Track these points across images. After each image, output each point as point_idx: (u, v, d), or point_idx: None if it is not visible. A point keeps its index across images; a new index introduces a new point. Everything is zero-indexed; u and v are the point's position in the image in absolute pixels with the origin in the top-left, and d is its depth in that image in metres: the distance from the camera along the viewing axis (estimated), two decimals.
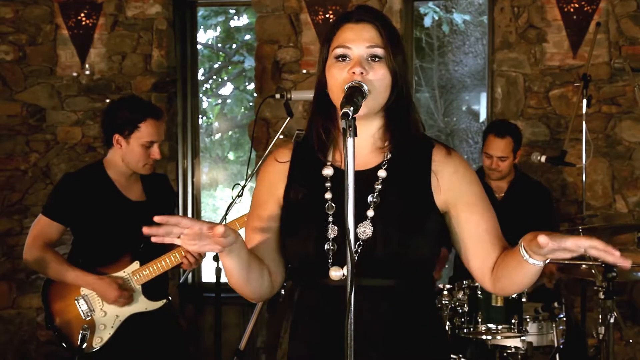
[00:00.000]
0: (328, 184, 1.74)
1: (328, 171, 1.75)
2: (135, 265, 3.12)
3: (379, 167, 1.75)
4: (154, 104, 3.29)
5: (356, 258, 1.65)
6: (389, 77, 1.71)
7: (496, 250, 1.73)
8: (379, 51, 1.70)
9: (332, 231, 1.69)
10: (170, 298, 3.24)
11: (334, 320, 1.63)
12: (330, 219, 1.70)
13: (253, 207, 1.83)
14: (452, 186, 1.74)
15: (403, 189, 1.72)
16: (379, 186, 1.72)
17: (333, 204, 1.71)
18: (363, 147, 1.75)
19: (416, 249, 1.69)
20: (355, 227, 1.64)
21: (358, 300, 1.55)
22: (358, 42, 1.70)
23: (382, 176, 1.73)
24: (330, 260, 1.68)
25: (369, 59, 1.70)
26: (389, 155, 1.75)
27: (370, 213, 1.69)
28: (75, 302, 3.12)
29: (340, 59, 1.71)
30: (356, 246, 1.67)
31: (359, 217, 1.68)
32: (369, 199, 1.70)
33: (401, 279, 1.70)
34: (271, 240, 1.79)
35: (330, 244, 1.68)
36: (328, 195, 1.72)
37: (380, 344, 1.69)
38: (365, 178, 1.72)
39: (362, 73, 1.66)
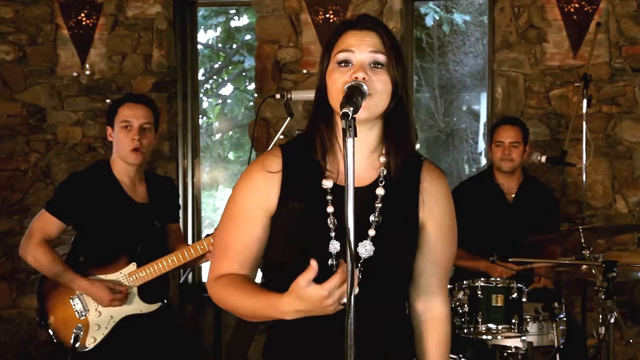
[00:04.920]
0: (329, 197, 1.71)
1: (328, 184, 1.72)
2: (132, 266, 3.12)
3: (375, 184, 1.75)
4: (150, 98, 3.36)
5: (360, 277, 1.67)
6: (390, 85, 1.70)
7: (436, 297, 1.84)
8: (382, 58, 1.69)
9: (334, 247, 1.68)
10: (166, 301, 3.22)
11: (335, 336, 1.62)
12: (333, 234, 1.69)
13: (237, 219, 1.76)
14: (431, 208, 1.78)
15: (399, 207, 1.75)
16: (379, 205, 1.72)
17: (335, 219, 1.69)
18: (358, 161, 1.70)
19: (411, 266, 1.77)
20: (356, 245, 1.67)
21: (357, 317, 1.56)
22: (361, 47, 1.69)
23: (381, 194, 1.73)
24: None
25: (372, 65, 1.69)
26: (385, 172, 1.75)
27: (372, 232, 1.71)
28: (70, 301, 3.12)
29: (342, 64, 1.69)
30: (358, 264, 1.68)
31: (360, 236, 1.69)
32: (371, 218, 1.72)
33: (393, 292, 1.77)
34: (258, 254, 1.77)
35: (334, 258, 1.68)
36: (330, 209, 1.70)
37: (380, 356, 1.73)
38: (364, 195, 1.72)
39: (364, 78, 1.65)
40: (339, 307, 1.56)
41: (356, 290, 1.57)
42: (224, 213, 1.80)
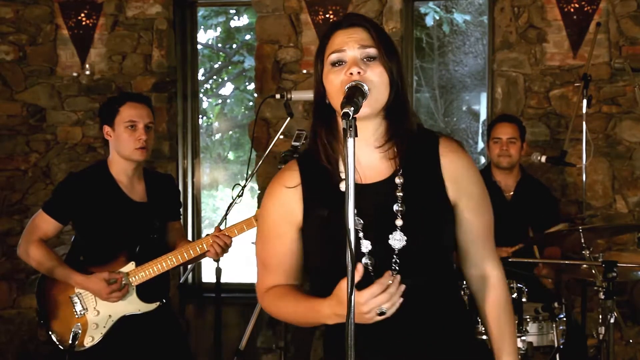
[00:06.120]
0: None
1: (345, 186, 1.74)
2: (131, 266, 3.11)
3: (394, 174, 1.75)
4: (147, 96, 3.40)
5: (397, 269, 1.69)
6: (386, 76, 1.71)
7: (486, 264, 1.87)
8: (372, 51, 1.70)
9: (366, 245, 1.71)
10: (165, 300, 3.21)
11: (390, 337, 1.70)
12: (361, 234, 1.71)
13: (269, 237, 1.83)
14: (458, 184, 1.78)
15: (421, 190, 1.75)
16: (401, 193, 1.73)
17: (360, 219, 1.71)
18: (371, 155, 1.76)
19: (445, 247, 1.77)
20: (387, 238, 1.69)
21: (409, 306, 1.63)
22: (351, 43, 1.70)
23: (400, 182, 1.74)
24: (372, 274, 1.68)
25: (364, 59, 1.70)
26: (399, 161, 1.76)
27: (399, 222, 1.71)
28: (70, 299, 3.11)
29: (336, 64, 1.71)
30: (394, 257, 1.70)
31: (389, 228, 1.71)
32: (395, 207, 1.72)
33: (433, 276, 1.76)
34: (297, 264, 1.83)
35: (368, 257, 1.70)
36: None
37: (417, 341, 1.74)
38: (384, 188, 1.74)
39: (359, 73, 1.66)
40: (375, 317, 1.58)
41: (400, 300, 1.60)
42: (257, 229, 1.91)
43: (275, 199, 1.81)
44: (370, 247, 1.70)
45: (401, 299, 1.60)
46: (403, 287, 1.61)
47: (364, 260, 1.69)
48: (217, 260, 3.22)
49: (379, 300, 1.56)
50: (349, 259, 1.51)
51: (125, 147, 3.12)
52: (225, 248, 3.09)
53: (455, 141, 1.84)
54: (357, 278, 1.55)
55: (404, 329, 1.71)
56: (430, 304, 1.75)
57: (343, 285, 1.58)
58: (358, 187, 1.72)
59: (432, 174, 1.77)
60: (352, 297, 1.51)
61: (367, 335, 1.66)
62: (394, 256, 1.69)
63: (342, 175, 1.75)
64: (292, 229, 1.79)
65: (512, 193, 4.08)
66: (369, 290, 1.56)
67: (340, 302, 1.59)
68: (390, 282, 1.58)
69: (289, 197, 1.79)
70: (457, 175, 1.78)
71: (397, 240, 1.70)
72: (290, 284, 1.83)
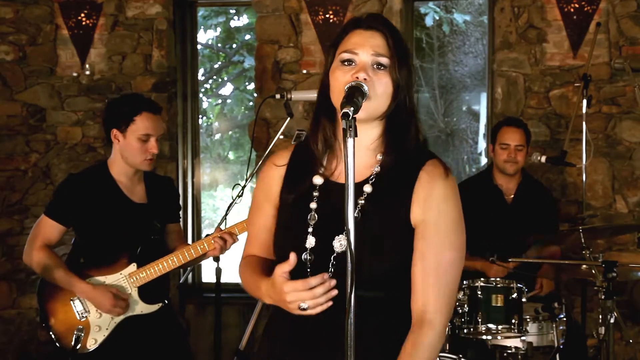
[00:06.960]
0: (316, 193, 1.75)
1: (318, 180, 1.76)
2: (132, 267, 3.10)
3: (366, 181, 1.74)
4: (160, 106, 3.31)
5: (332, 270, 1.68)
6: (391, 88, 1.71)
7: (428, 304, 1.67)
8: (384, 60, 1.70)
9: (310, 242, 1.71)
10: (167, 302, 3.21)
11: (307, 327, 1.69)
12: (310, 229, 1.72)
13: (252, 208, 1.90)
14: (423, 209, 1.70)
15: (384, 204, 1.71)
16: (362, 201, 1.71)
17: (316, 215, 1.73)
18: (359, 159, 1.69)
19: (389, 263, 1.69)
20: (333, 239, 1.69)
21: (336, 310, 1.60)
22: (365, 48, 1.70)
23: (367, 191, 1.72)
24: (308, 270, 1.69)
25: (374, 66, 1.70)
26: (378, 169, 1.74)
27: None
28: (71, 302, 3.10)
29: (346, 63, 1.71)
30: (332, 258, 1.69)
31: (338, 230, 1.69)
32: None
33: (380, 291, 1.70)
34: (270, 241, 1.83)
35: (308, 253, 1.71)
36: (313, 205, 1.74)
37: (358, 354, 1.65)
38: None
39: (365, 79, 1.66)
40: (297, 310, 1.61)
41: (328, 303, 1.61)
42: None
43: (263, 174, 1.88)
44: (313, 245, 1.71)
45: (330, 303, 1.61)
46: (335, 292, 1.61)
47: (304, 255, 1.70)
48: (217, 260, 3.22)
49: (300, 296, 1.59)
50: (349, 259, 1.52)
51: (134, 157, 3.09)
52: (227, 245, 3.09)
53: (444, 168, 1.74)
54: (288, 267, 1.61)
55: (329, 332, 1.66)
56: (370, 317, 1.67)
57: (278, 270, 1.63)
58: (330, 184, 1.75)
59: (403, 192, 1.71)
60: (352, 298, 1.50)
61: (296, 331, 1.71)
62: (332, 258, 1.69)
63: (323, 169, 1.77)
64: (269, 205, 1.84)
65: (512, 196, 4.07)
66: (293, 284, 1.60)
67: (273, 286, 1.65)
68: (320, 283, 1.60)
69: (273, 174, 1.84)
70: (425, 201, 1.69)
71: (340, 243, 1.69)
72: (263, 258, 1.85)
